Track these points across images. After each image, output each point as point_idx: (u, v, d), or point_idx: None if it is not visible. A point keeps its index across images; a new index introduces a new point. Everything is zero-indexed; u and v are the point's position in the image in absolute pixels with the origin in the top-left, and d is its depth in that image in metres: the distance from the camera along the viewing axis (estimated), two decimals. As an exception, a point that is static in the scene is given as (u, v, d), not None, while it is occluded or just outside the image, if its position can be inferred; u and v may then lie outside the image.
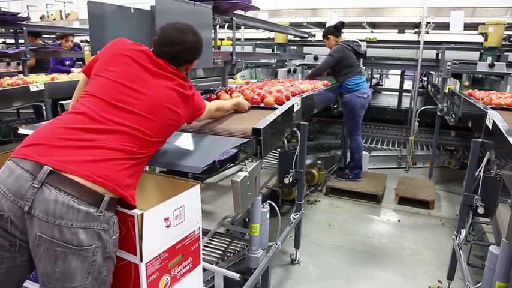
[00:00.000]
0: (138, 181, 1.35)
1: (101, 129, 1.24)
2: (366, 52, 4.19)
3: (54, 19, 8.07)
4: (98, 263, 1.16)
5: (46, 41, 5.85)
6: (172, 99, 1.42)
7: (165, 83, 1.42)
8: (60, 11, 8.37)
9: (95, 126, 1.24)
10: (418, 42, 4.80)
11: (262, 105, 2.34)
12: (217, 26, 2.61)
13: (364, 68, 4.22)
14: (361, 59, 4.08)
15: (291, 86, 3.01)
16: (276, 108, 2.20)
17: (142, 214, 1.19)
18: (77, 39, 6.22)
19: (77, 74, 4.05)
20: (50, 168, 1.11)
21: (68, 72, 4.55)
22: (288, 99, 2.44)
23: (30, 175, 1.11)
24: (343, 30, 4.01)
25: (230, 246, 2.27)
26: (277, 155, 2.68)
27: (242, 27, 5.89)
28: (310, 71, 4.19)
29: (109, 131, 1.25)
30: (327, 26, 4.18)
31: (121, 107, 1.30)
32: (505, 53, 4.50)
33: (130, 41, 1.50)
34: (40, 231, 1.10)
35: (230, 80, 3.87)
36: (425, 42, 4.66)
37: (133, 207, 1.26)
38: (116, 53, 1.42)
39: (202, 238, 1.87)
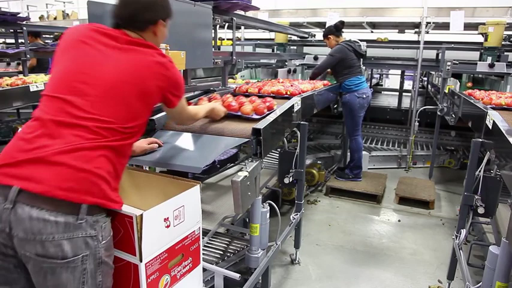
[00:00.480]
0: (120, 176, 1.24)
1: (55, 133, 1.12)
2: (366, 52, 4.19)
3: (55, 18, 8.06)
4: (90, 271, 1.12)
5: (46, 41, 5.85)
6: (134, 71, 1.23)
7: (122, 56, 1.24)
8: (63, 11, 8.36)
9: (49, 131, 1.12)
10: (418, 42, 4.80)
11: (239, 113, 2.05)
12: (217, 26, 2.61)
13: (364, 68, 4.22)
14: (362, 60, 4.08)
15: (291, 86, 3.01)
16: (255, 119, 1.99)
17: (141, 215, 1.19)
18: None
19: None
20: (18, 188, 1.06)
21: None
22: (270, 109, 2.14)
23: (2, 197, 1.07)
24: (343, 30, 4.01)
25: (230, 246, 2.27)
26: (277, 155, 2.68)
27: (242, 27, 5.89)
28: (311, 72, 4.17)
29: (65, 133, 1.12)
30: (327, 26, 4.17)
31: (73, 100, 1.16)
32: (505, 53, 4.50)
33: (83, 25, 1.34)
34: (24, 249, 1.07)
35: (230, 80, 3.87)
36: (425, 42, 4.66)
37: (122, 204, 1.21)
38: (65, 45, 1.28)
39: (202, 238, 1.87)
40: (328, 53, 3.92)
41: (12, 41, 5.10)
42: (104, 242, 1.15)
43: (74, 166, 1.09)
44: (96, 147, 1.14)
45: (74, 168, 1.09)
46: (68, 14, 8.27)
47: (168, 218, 1.31)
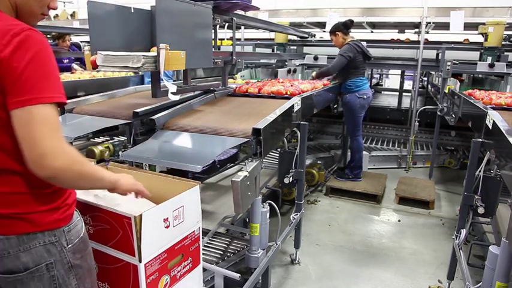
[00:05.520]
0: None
1: None
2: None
3: (55, 16, 8.05)
4: (61, 277, 1.06)
5: (49, 41, 5.86)
6: None
7: None
8: (68, 12, 8.37)
9: None
10: (418, 42, 4.80)
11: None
12: (217, 26, 2.61)
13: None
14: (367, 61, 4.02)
15: (291, 86, 3.01)
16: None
17: (140, 215, 1.19)
18: (76, 39, 6.23)
19: (73, 74, 4.05)
20: None
21: (68, 68, 4.58)
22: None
23: None
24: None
25: (230, 246, 2.27)
26: (277, 155, 2.68)
27: (242, 27, 5.88)
28: (319, 71, 4.09)
29: None
30: (335, 23, 4.08)
31: None
32: (505, 53, 4.50)
33: None
34: None
35: (230, 80, 3.87)
36: (425, 42, 4.66)
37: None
38: None
39: (202, 238, 1.87)
40: (339, 52, 3.83)
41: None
42: (70, 245, 1.07)
43: None
44: None
45: None
46: (71, 14, 8.26)
47: (167, 218, 1.31)
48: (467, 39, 5.05)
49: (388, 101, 6.96)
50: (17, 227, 1.00)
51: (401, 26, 5.58)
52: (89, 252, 1.16)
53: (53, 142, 0.94)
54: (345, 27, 3.87)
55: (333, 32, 3.93)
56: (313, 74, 4.03)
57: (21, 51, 0.90)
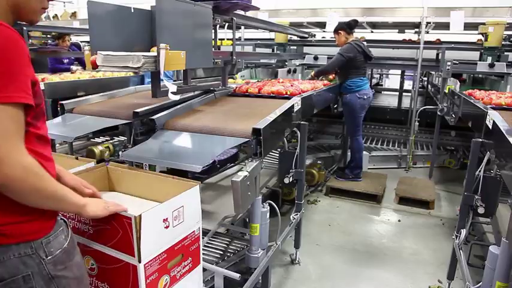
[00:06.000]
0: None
1: None
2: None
3: (54, 16, 8.05)
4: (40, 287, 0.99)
5: (49, 41, 5.88)
6: None
7: None
8: (69, 12, 8.37)
9: None
10: (418, 42, 4.80)
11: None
12: (217, 26, 2.61)
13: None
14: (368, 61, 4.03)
15: (291, 86, 3.01)
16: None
17: (140, 215, 1.19)
18: (76, 39, 6.23)
19: (73, 75, 4.05)
20: None
21: (68, 69, 4.58)
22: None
23: None
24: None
25: (230, 246, 2.27)
26: (277, 155, 2.68)
27: (242, 27, 5.89)
28: (316, 69, 4.11)
29: None
30: (337, 22, 4.10)
31: None
32: (505, 53, 4.50)
33: None
34: None
35: (230, 80, 3.87)
36: (425, 42, 4.66)
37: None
38: None
39: (202, 238, 1.87)
40: (338, 51, 3.84)
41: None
42: (50, 257, 1.00)
43: None
44: None
45: None
46: (72, 13, 8.26)
47: (167, 218, 1.31)
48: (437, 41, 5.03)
49: (388, 101, 6.95)
50: None
51: (401, 26, 5.58)
52: (75, 263, 1.09)
53: (7, 147, 0.86)
54: (348, 26, 3.89)
55: (336, 30, 3.95)
56: (312, 73, 4.05)
57: None
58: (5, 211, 0.94)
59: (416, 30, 5.27)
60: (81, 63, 5.00)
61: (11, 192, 0.91)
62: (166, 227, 1.31)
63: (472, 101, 2.73)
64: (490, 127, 2.02)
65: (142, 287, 1.25)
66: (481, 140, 2.13)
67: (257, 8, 2.91)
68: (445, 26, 4.50)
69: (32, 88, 0.94)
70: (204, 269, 1.80)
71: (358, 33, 5.25)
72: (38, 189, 0.93)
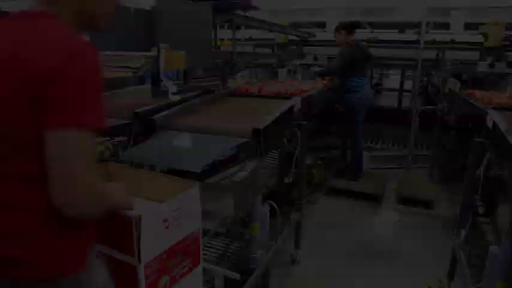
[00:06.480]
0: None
1: None
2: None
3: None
4: None
5: None
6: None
7: None
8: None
9: None
10: (418, 42, 4.80)
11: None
12: (217, 25, 2.61)
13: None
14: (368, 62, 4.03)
15: (291, 86, 3.01)
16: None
17: (140, 216, 1.19)
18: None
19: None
20: None
21: None
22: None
23: None
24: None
25: (230, 246, 2.27)
26: (277, 155, 2.68)
27: (242, 27, 5.88)
28: (319, 70, 4.11)
29: None
30: (340, 21, 4.10)
31: None
32: (505, 53, 4.50)
33: None
34: None
35: (230, 80, 3.86)
36: (425, 42, 4.65)
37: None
38: None
39: (202, 238, 1.87)
40: (339, 53, 3.85)
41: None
42: None
43: None
44: None
45: None
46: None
47: (167, 218, 1.31)
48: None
49: (388, 101, 6.95)
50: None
51: (401, 26, 5.58)
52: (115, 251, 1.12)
53: (90, 178, 0.85)
54: (350, 26, 3.88)
55: (337, 29, 3.94)
56: (317, 71, 4.04)
57: (72, 68, 0.80)
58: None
59: (416, 30, 5.27)
60: None
61: (86, 218, 0.94)
62: (166, 227, 1.31)
63: (472, 101, 2.73)
64: (490, 127, 2.02)
65: (142, 287, 1.25)
66: (481, 140, 2.13)
67: (257, 8, 2.92)
68: (445, 26, 4.50)
69: None
70: (204, 269, 1.79)
71: (358, 33, 5.27)
72: (109, 208, 1.00)
